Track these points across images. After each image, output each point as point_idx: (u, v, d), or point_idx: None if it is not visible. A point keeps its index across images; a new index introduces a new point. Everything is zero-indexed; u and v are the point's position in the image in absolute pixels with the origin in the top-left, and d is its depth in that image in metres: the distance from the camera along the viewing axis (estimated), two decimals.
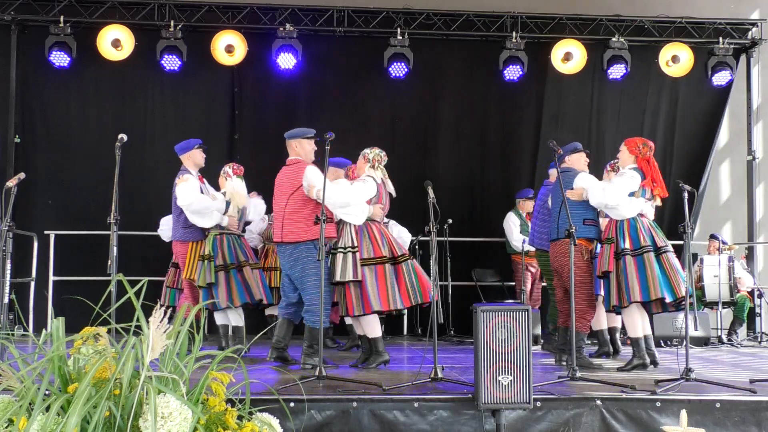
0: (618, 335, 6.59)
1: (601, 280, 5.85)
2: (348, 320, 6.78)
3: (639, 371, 5.44)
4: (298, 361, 5.52)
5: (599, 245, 5.79)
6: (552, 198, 6.13)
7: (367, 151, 5.82)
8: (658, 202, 5.68)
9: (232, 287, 6.19)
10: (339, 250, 5.47)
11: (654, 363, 5.61)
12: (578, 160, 6.09)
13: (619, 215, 5.58)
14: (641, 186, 5.58)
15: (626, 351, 6.24)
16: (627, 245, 5.51)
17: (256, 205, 7.12)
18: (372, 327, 5.58)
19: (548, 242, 6.12)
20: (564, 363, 5.59)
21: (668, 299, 5.44)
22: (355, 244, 5.49)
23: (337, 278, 5.40)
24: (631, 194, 5.55)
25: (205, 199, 6.17)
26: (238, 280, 6.23)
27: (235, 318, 6.32)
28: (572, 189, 5.77)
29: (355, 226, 5.55)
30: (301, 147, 5.70)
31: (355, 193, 5.49)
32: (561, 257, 5.74)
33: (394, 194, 5.88)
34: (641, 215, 5.60)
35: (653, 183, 5.58)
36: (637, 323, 5.59)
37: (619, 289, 5.51)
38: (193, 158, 6.34)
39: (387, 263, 5.52)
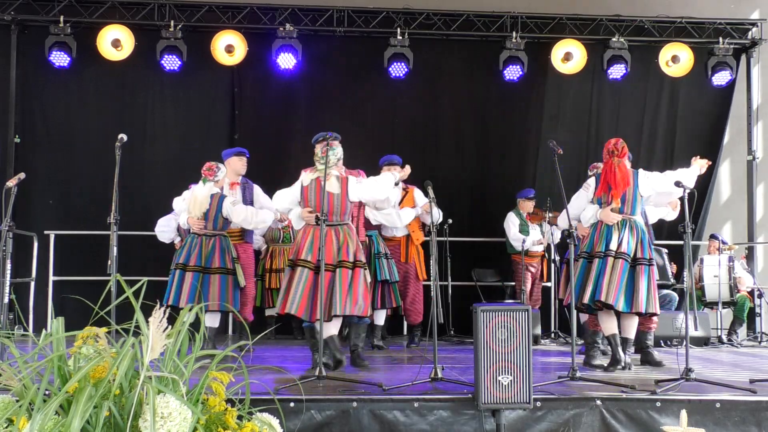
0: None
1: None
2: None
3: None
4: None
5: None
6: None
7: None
8: (614, 205, 5.59)
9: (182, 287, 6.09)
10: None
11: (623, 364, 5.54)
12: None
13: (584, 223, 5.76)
14: (596, 195, 5.68)
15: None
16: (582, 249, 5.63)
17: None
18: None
19: None
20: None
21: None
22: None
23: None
24: (592, 202, 5.70)
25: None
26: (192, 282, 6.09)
27: (209, 320, 6.21)
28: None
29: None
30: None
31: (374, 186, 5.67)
32: None
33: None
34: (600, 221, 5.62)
35: (608, 187, 5.59)
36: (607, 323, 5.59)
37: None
38: (231, 165, 6.53)
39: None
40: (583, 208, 5.75)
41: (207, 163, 6.34)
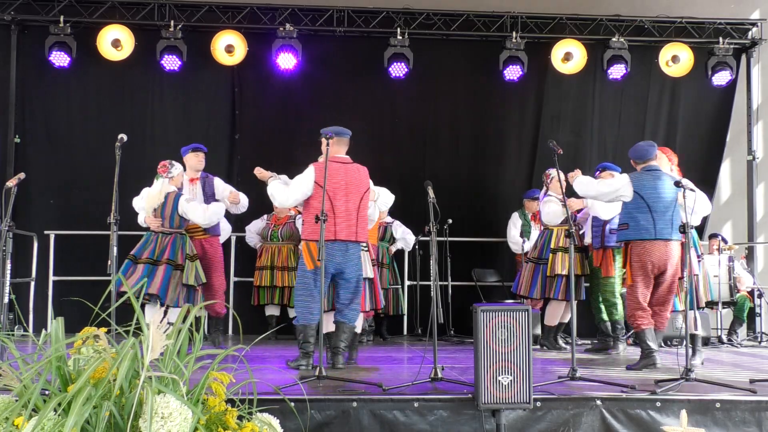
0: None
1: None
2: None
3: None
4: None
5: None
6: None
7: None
8: None
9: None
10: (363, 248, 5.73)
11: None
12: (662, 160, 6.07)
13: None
14: None
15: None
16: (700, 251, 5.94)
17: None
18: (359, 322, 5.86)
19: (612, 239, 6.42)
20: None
21: None
22: (366, 245, 5.81)
23: (371, 275, 5.77)
24: None
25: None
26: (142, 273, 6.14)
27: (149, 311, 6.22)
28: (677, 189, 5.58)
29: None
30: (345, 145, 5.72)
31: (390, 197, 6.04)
32: (674, 258, 5.67)
33: None
34: None
35: None
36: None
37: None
38: (188, 162, 6.74)
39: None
40: None
41: (161, 161, 6.49)
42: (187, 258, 6.31)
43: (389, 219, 8.24)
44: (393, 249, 8.31)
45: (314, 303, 5.29)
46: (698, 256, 5.88)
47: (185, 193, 6.51)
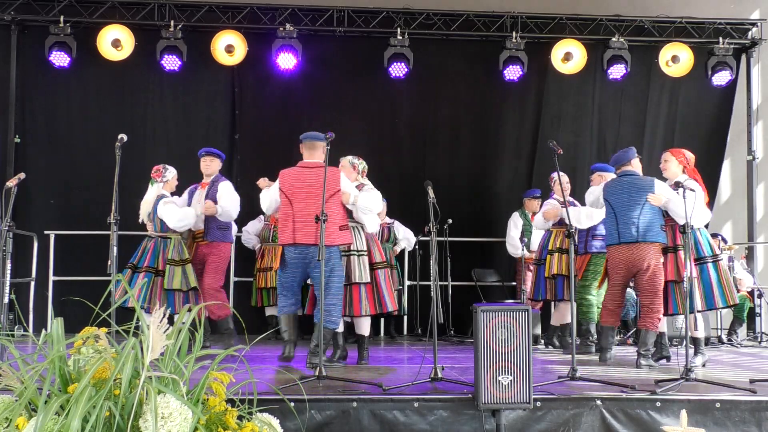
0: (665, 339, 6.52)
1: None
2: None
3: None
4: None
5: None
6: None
7: (355, 162, 5.98)
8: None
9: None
10: (353, 253, 5.64)
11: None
12: (638, 165, 6.16)
13: (700, 224, 5.84)
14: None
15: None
16: (704, 253, 5.79)
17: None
18: (367, 325, 5.88)
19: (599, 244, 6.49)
20: (647, 365, 5.74)
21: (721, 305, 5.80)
22: (367, 249, 5.73)
23: (356, 279, 5.60)
24: None
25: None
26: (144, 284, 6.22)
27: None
28: (652, 193, 5.80)
29: (365, 231, 5.74)
30: (324, 151, 5.58)
31: (378, 201, 5.76)
32: (647, 258, 5.78)
33: None
34: None
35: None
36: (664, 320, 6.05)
37: (701, 294, 5.73)
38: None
39: (388, 268, 5.90)
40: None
41: (155, 166, 6.51)
42: (170, 263, 6.25)
43: (389, 220, 8.23)
44: (397, 249, 8.32)
45: (283, 297, 5.59)
46: (704, 257, 5.80)
47: (195, 196, 6.55)
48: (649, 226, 5.77)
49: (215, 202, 6.45)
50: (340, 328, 5.87)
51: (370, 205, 5.58)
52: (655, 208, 5.80)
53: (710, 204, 9.34)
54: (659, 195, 5.76)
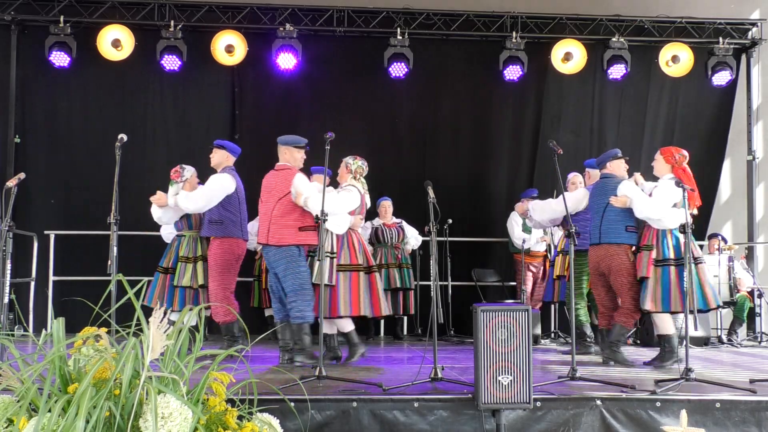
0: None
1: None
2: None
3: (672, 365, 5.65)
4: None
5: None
6: (591, 201, 6.24)
7: (349, 161, 6.00)
8: (695, 211, 5.76)
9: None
10: (328, 254, 5.65)
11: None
12: (618, 167, 6.20)
13: (662, 226, 5.72)
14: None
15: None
16: (671, 255, 5.68)
17: None
18: (343, 324, 5.84)
19: (587, 243, 6.34)
20: (612, 363, 5.84)
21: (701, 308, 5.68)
22: (334, 250, 5.70)
23: (313, 280, 5.60)
24: (674, 205, 5.68)
25: None
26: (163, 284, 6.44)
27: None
28: (615, 195, 5.90)
29: (336, 233, 5.72)
30: (291, 155, 5.79)
31: (341, 202, 5.64)
32: (608, 259, 5.93)
33: (369, 205, 6.11)
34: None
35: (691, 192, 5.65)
36: (670, 323, 5.88)
37: (654, 295, 5.68)
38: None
39: (362, 271, 5.78)
40: (669, 209, 5.70)
41: (173, 168, 6.51)
42: (181, 260, 6.33)
43: (396, 220, 8.32)
44: (409, 248, 8.34)
45: (273, 301, 5.79)
46: (667, 260, 5.68)
47: None
48: (611, 228, 5.89)
49: None
50: (330, 330, 5.88)
51: (315, 207, 5.36)
52: (622, 210, 5.87)
53: (709, 204, 9.40)
54: (621, 196, 5.83)
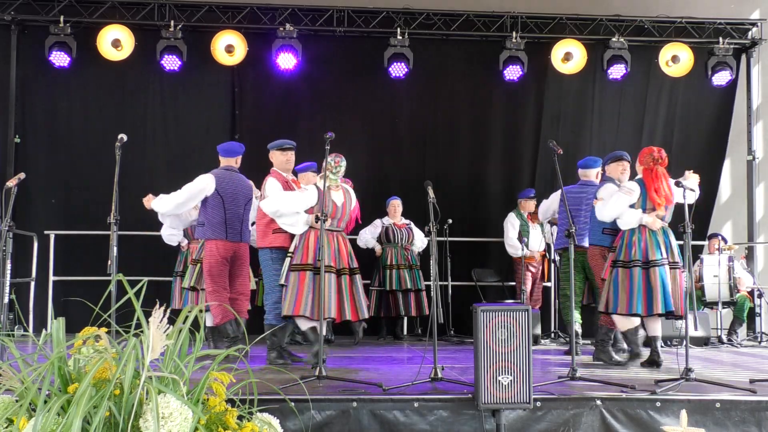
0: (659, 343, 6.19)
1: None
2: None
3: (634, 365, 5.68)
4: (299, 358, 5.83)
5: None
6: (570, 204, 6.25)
7: (328, 158, 5.80)
8: (661, 212, 5.67)
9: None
10: (288, 254, 5.65)
11: (657, 364, 5.72)
12: (615, 169, 6.28)
13: (622, 226, 5.74)
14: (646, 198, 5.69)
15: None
16: (622, 257, 5.68)
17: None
18: (299, 322, 5.63)
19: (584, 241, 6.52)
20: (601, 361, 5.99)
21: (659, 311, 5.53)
22: (291, 250, 5.63)
23: (281, 281, 5.62)
24: (632, 205, 5.67)
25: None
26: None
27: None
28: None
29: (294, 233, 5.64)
30: (275, 158, 5.91)
31: (287, 202, 5.52)
32: (588, 261, 6.37)
33: (354, 203, 5.84)
34: (642, 226, 5.64)
35: (655, 194, 5.61)
36: (625, 323, 5.79)
37: (606, 296, 5.71)
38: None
39: (309, 271, 5.49)
40: (621, 211, 5.68)
41: None
42: (191, 263, 6.68)
43: (406, 221, 8.35)
44: (416, 250, 8.38)
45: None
46: (633, 261, 5.62)
47: None
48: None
49: None
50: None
51: (264, 207, 5.64)
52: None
53: (710, 204, 9.39)
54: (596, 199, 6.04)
